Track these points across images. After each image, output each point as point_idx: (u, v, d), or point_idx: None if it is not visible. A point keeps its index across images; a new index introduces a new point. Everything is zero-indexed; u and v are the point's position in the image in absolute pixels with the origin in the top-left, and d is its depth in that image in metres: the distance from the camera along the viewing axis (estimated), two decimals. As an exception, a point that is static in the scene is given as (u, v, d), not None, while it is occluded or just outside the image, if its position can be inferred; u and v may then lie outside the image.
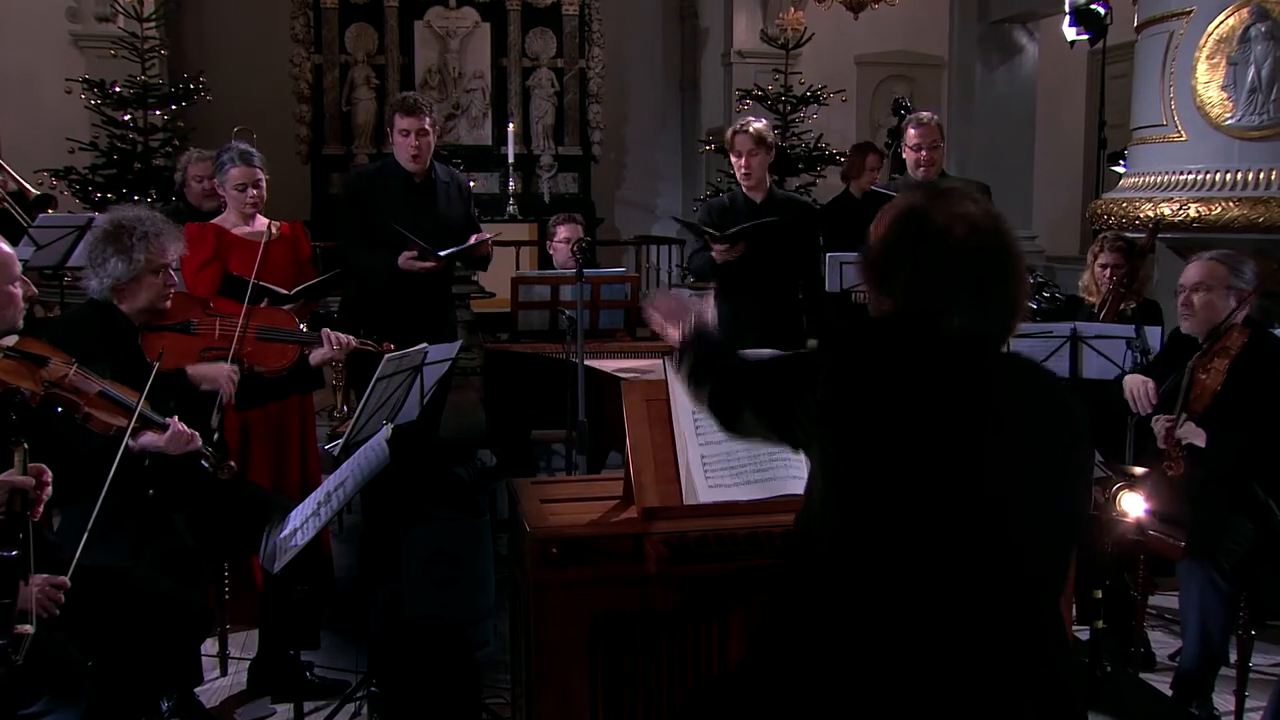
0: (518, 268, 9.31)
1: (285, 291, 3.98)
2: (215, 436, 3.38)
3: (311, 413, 4.54)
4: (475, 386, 6.71)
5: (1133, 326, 4.26)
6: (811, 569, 1.98)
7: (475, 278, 8.13)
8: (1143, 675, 3.91)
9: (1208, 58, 5.28)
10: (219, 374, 3.51)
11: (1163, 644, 4.20)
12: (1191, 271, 3.86)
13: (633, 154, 12.89)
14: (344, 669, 3.91)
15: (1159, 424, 3.71)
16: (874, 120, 11.69)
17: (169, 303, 3.54)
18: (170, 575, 3.25)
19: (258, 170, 4.30)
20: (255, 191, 4.29)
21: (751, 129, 5.02)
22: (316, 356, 3.84)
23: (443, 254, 4.61)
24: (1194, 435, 3.64)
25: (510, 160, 10.89)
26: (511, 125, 11.06)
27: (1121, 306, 4.70)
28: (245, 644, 4.06)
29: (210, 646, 3.89)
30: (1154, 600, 4.32)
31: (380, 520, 4.08)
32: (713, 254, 4.97)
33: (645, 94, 12.89)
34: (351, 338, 3.81)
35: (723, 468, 2.70)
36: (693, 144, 12.30)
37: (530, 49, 11.56)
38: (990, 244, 1.91)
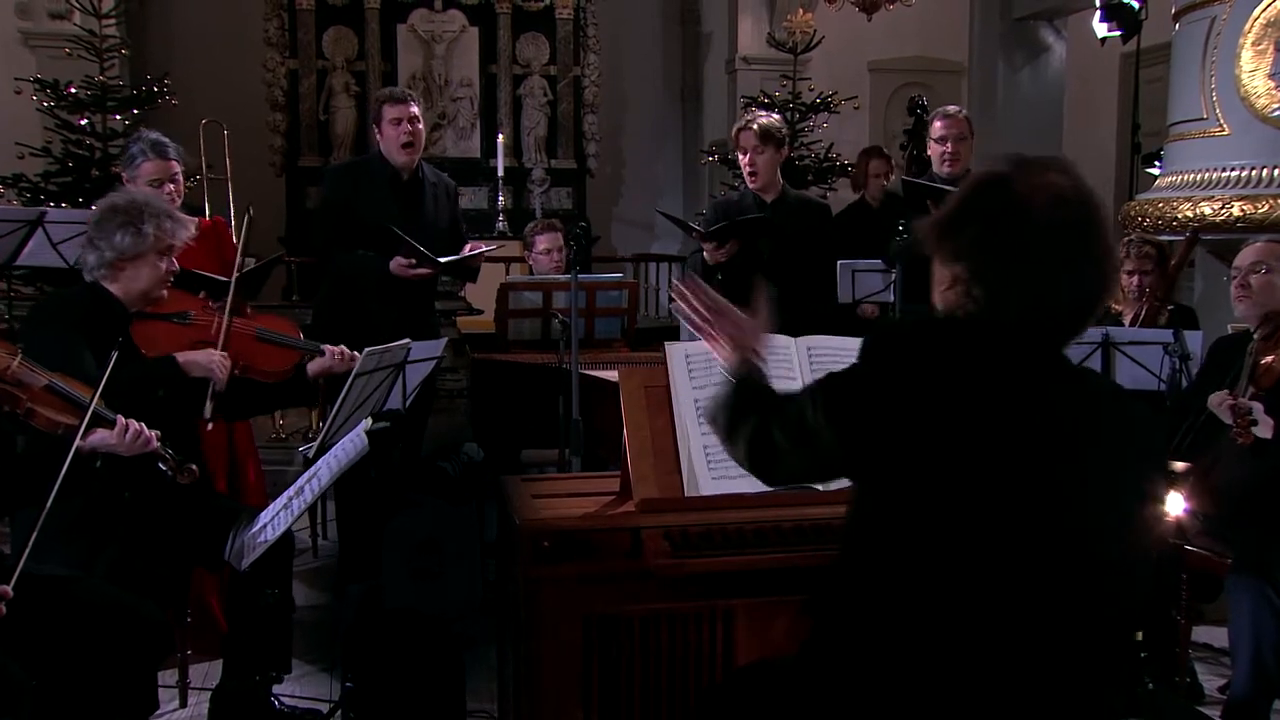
0: (508, 285, 9.29)
1: (223, 279, 3.93)
2: (209, 426, 3.37)
3: (248, 436, 4.50)
4: (462, 410, 6.69)
5: (1170, 331, 4.24)
6: (853, 578, 1.95)
7: (462, 294, 8.15)
8: (1187, 707, 3.87)
9: (1253, 44, 5.30)
10: (209, 360, 3.47)
11: (1211, 679, 4.14)
12: (1248, 253, 3.93)
13: (630, 167, 12.93)
14: (315, 698, 3.86)
15: (1221, 400, 3.70)
16: (888, 130, 11.71)
17: (166, 291, 3.54)
18: (126, 588, 3.21)
19: (174, 164, 4.21)
20: (172, 187, 4.18)
21: (756, 124, 5.03)
22: (315, 367, 3.77)
23: (443, 261, 4.61)
24: (1262, 423, 3.61)
25: (500, 174, 10.91)
26: (501, 136, 11.11)
27: (1158, 318, 4.67)
28: (207, 675, 4.02)
29: (169, 677, 3.86)
30: (1200, 635, 4.29)
31: (357, 512, 4.04)
32: (704, 255, 4.98)
33: (644, 103, 12.95)
34: (355, 354, 3.68)
35: (727, 459, 2.67)
36: (694, 157, 12.34)
37: (521, 55, 11.63)
38: (1076, 220, 1.87)
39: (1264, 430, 3.60)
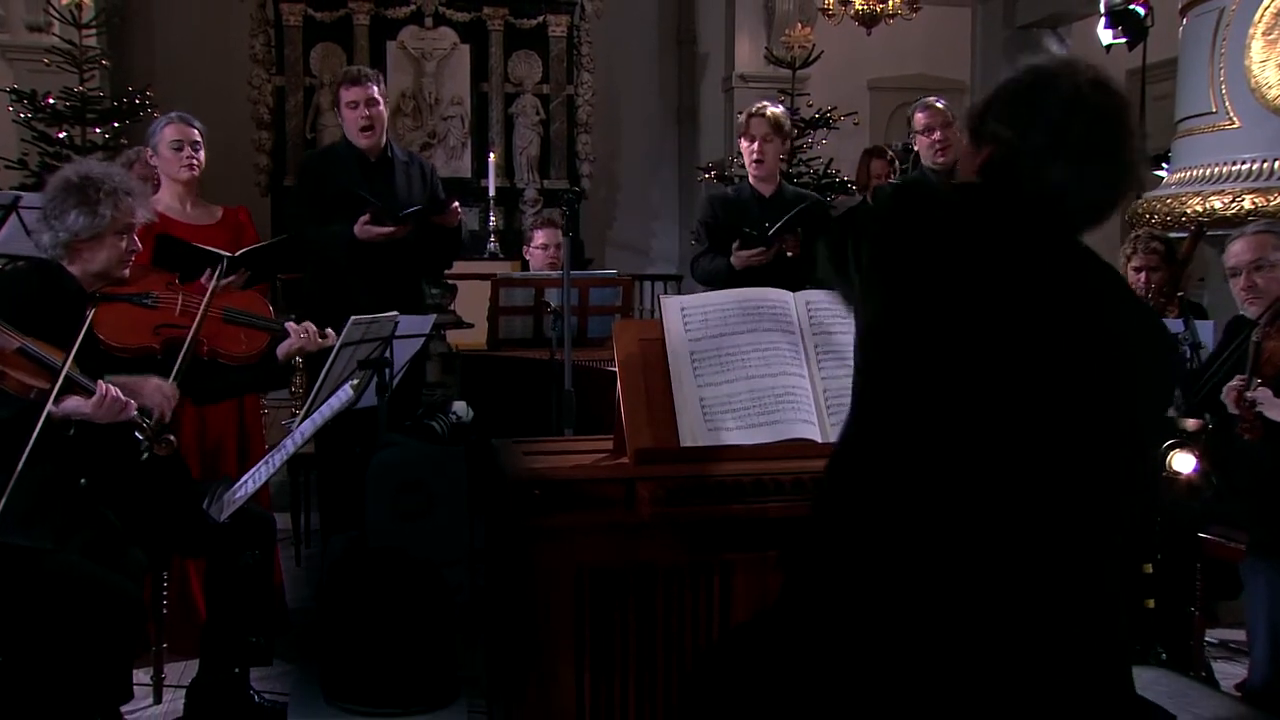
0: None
1: (229, 254, 3.93)
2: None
3: (256, 414, 4.50)
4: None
5: (1180, 320, 4.27)
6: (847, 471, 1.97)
7: (452, 308, 8.14)
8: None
9: (1264, 34, 5.34)
10: (150, 391, 3.30)
11: (1227, 680, 4.12)
12: (1242, 251, 3.92)
13: (625, 189, 12.92)
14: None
15: (1230, 391, 3.68)
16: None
17: (128, 271, 3.48)
18: (102, 564, 3.18)
19: (195, 130, 4.30)
20: (191, 151, 4.26)
21: (768, 112, 5.12)
22: (284, 348, 3.73)
23: (403, 214, 4.61)
24: (1271, 406, 3.60)
25: (491, 194, 10.90)
26: (492, 156, 11.06)
27: (1166, 313, 4.69)
28: (184, 674, 3.99)
29: (144, 676, 3.83)
30: (1217, 633, 4.27)
31: (339, 458, 4.00)
32: (732, 260, 4.96)
33: (639, 124, 12.96)
34: (327, 331, 3.69)
35: (724, 410, 2.68)
36: (691, 179, 12.36)
37: (514, 73, 11.63)
38: (1111, 106, 1.91)
39: (1276, 413, 3.60)
